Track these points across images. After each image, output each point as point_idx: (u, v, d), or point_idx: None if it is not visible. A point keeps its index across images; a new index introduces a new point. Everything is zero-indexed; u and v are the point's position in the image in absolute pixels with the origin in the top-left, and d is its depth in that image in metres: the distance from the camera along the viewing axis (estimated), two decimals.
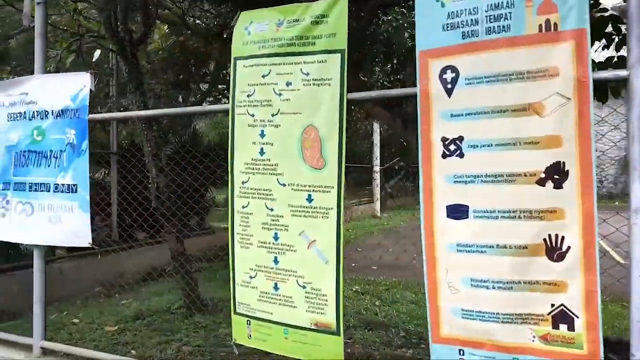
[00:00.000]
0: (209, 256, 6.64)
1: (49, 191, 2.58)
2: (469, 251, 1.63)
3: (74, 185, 2.52)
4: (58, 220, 2.55)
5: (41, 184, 2.60)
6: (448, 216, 1.66)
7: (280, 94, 1.98)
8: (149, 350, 3.68)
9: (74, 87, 2.55)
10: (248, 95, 2.06)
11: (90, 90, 2.47)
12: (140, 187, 4.41)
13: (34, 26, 2.70)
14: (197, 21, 7.06)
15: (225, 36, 6.17)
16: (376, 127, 14.34)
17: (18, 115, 2.70)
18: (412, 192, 18.15)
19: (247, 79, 2.07)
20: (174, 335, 3.96)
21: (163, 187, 4.25)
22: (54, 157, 2.58)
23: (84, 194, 2.51)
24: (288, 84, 1.97)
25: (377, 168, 14.86)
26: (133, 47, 3.93)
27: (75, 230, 2.52)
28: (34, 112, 2.65)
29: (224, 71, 8.07)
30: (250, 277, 2.07)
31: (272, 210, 2.00)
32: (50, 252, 6.51)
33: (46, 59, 2.70)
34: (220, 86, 8.38)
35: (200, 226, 8.44)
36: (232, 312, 2.15)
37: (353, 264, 7.03)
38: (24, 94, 2.69)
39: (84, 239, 2.51)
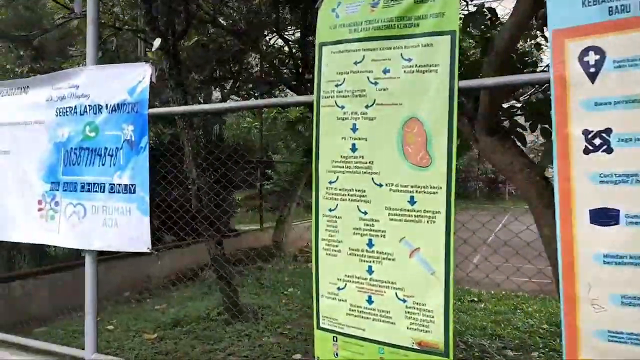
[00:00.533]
0: (236, 259, 6.44)
1: (103, 192, 2.38)
2: (619, 263, 1.39)
3: (132, 185, 2.32)
4: (114, 223, 2.35)
5: (95, 183, 2.40)
6: (592, 222, 1.42)
7: (376, 83, 1.76)
8: None
9: (131, 79, 2.35)
10: (336, 85, 1.84)
11: (151, 82, 2.27)
12: (170, 189, 4.22)
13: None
14: (221, 19, 6.90)
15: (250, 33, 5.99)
16: None
17: (68, 109, 2.51)
18: None
19: (336, 67, 1.85)
20: (217, 344, 3.76)
21: (203, 188, 4.06)
22: (109, 154, 2.38)
23: (143, 194, 2.30)
24: (386, 71, 1.75)
25: None
26: (175, 42, 3.74)
27: (133, 235, 2.31)
28: (86, 107, 2.45)
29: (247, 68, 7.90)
30: (338, 289, 1.85)
31: (365, 213, 1.78)
32: (75, 256, 6.36)
33: (97, 49, 2.50)
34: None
35: (225, 228, 8.26)
36: (315, 327, 1.93)
37: None
38: (74, 86, 2.50)
39: (143, 243, 2.30)
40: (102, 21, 4.12)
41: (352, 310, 1.82)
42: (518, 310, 4.59)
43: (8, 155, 2.70)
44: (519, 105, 3.54)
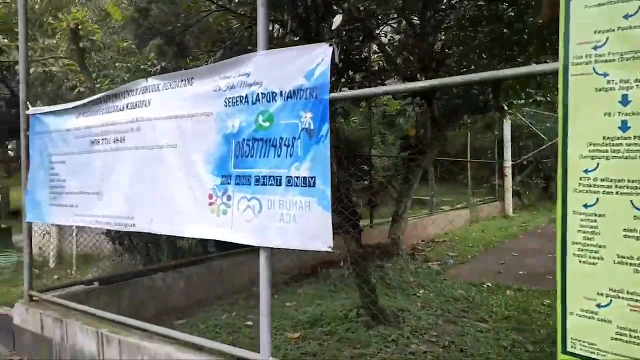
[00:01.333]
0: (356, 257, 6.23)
1: (279, 185, 2.21)
2: None
3: (311, 178, 2.12)
4: (292, 219, 2.16)
5: (270, 176, 2.24)
6: None
7: None
8: None
9: (308, 61, 2.14)
10: (595, 47, 1.45)
11: (335, 64, 2.05)
12: None
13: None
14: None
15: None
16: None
17: (238, 99, 2.38)
18: (539, 189, 16.36)
19: (593, 24, 1.46)
20: (364, 349, 3.52)
21: (343, 182, 3.85)
22: (284, 145, 2.20)
23: (323, 188, 2.09)
24: None
25: (508, 163, 13.49)
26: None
27: (314, 232, 2.11)
28: (258, 95, 2.30)
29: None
30: (599, 306, 1.46)
31: None
32: (202, 250, 6.54)
33: (268, 33, 2.33)
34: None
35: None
36: (559, 350, 1.56)
37: (521, 272, 6.16)
38: (244, 74, 2.36)
39: (324, 242, 2.09)
40: (240, 11, 4.07)
41: (622, 335, 1.42)
42: None
43: (175, 149, 2.66)
44: None
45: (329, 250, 2.09)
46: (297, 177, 2.15)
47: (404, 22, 6.70)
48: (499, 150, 14.93)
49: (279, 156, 2.22)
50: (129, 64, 5.73)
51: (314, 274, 6.19)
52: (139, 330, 2.94)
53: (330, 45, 2.08)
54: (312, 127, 2.12)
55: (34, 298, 3.74)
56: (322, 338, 3.76)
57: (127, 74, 6.10)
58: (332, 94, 2.08)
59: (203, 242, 6.04)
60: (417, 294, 5.01)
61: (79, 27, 4.91)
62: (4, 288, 5.69)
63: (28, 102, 3.70)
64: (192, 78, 2.63)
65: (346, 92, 2.23)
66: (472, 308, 4.51)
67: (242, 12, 4.04)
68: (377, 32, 6.85)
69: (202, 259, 5.37)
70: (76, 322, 3.17)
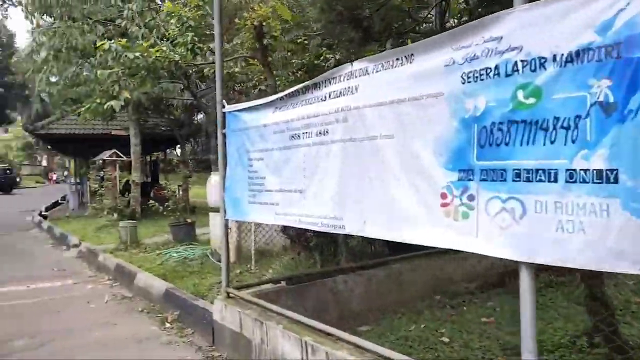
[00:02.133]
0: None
1: (554, 181, 1.65)
2: None
3: (612, 170, 1.51)
4: (577, 227, 1.59)
5: (538, 170, 1.69)
6: None
7: None
8: None
9: (601, 9, 1.55)
10: None
11: None
12: None
13: None
14: None
15: None
16: None
17: (483, 72, 1.88)
18: None
19: None
20: None
21: None
22: (562, 127, 1.64)
23: (633, 185, 1.47)
24: None
25: None
26: None
27: (616, 246, 1.51)
28: (515, 64, 1.77)
29: None
30: None
31: None
32: (372, 250, 6.23)
33: None
34: None
35: None
36: None
37: None
38: (494, 39, 1.85)
39: (636, 261, 1.47)
40: None
41: None
42: None
43: (392, 139, 2.28)
44: None
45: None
46: (586, 171, 1.57)
47: None
48: None
49: (552, 143, 1.66)
50: (303, 60, 5.68)
51: (502, 284, 5.40)
52: (345, 342, 2.65)
53: None
54: (611, 100, 1.52)
55: (230, 295, 3.78)
56: None
57: (300, 72, 6.06)
58: None
59: (371, 241, 5.69)
60: None
61: (263, 24, 4.99)
62: (195, 279, 6.11)
63: (224, 101, 3.74)
64: (411, 55, 2.22)
65: None
66: None
67: None
68: None
69: (380, 262, 5.03)
70: (277, 325, 3.03)
